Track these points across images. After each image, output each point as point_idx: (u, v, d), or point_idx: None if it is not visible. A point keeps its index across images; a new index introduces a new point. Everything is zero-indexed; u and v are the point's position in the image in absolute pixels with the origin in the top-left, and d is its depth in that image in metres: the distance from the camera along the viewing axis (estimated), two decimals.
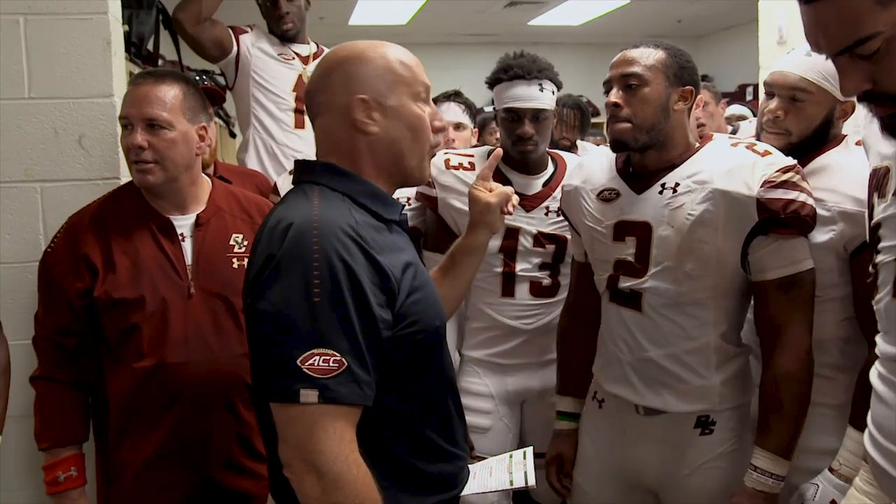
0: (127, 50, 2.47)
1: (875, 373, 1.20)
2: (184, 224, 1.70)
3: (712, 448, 1.61)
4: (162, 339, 1.61)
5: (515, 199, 1.54)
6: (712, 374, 1.59)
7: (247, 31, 2.92)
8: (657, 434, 1.64)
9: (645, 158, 1.62)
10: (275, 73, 2.91)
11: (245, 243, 1.73)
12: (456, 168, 2.05)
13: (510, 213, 1.54)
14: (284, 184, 2.38)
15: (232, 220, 1.75)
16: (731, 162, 1.53)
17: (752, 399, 1.66)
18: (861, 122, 1.38)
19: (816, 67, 1.64)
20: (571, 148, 3.43)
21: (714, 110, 3.22)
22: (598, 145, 4.54)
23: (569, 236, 1.97)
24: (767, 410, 1.54)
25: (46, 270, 1.68)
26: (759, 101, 1.98)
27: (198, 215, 1.71)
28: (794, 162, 1.54)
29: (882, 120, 1.10)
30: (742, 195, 1.50)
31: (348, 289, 1.09)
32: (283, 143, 2.91)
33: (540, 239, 2.01)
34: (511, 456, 1.39)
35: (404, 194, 2.15)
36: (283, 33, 2.93)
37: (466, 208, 1.98)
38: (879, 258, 1.17)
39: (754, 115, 4.54)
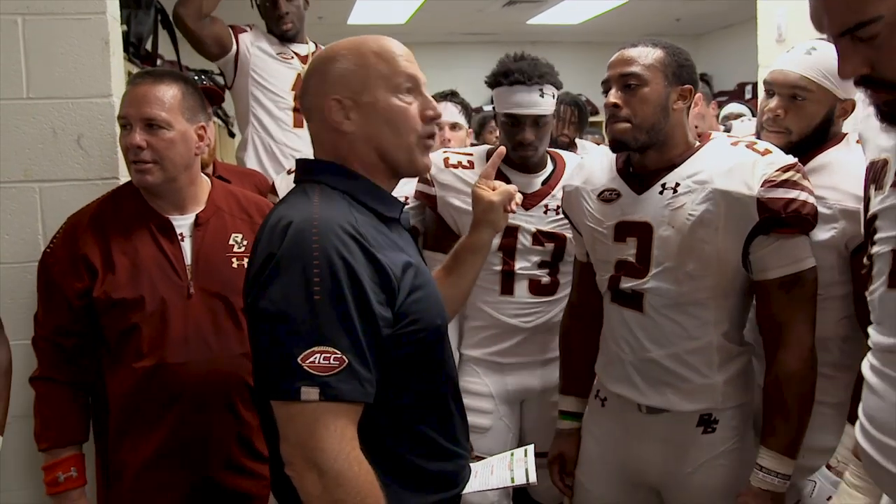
0: (125, 50, 2.47)
1: (867, 364, 1.21)
2: (183, 224, 1.70)
3: (715, 446, 1.61)
4: (161, 339, 1.61)
5: (519, 197, 1.54)
6: (715, 373, 1.59)
7: (246, 31, 2.92)
8: (660, 432, 1.64)
9: (645, 158, 1.62)
10: (274, 72, 2.91)
11: (244, 243, 1.72)
12: (455, 166, 2.05)
13: (513, 212, 1.54)
14: (282, 184, 2.38)
15: (231, 219, 1.75)
16: (731, 161, 1.53)
17: (753, 397, 1.66)
18: (860, 118, 1.38)
19: (816, 66, 1.64)
20: (570, 145, 3.43)
21: (705, 111, 3.22)
22: (597, 144, 4.55)
23: (568, 234, 1.97)
24: (772, 410, 1.54)
25: (45, 271, 1.68)
26: (759, 100, 1.98)
27: (197, 215, 1.71)
28: (795, 160, 1.54)
29: (878, 107, 1.10)
30: (742, 195, 1.49)
31: (348, 287, 1.09)
32: (281, 142, 2.91)
33: (539, 237, 2.01)
34: (512, 454, 1.40)
35: (402, 193, 2.15)
36: (282, 33, 2.93)
37: (466, 207, 2.00)
38: (875, 249, 1.18)
39: (753, 114, 4.55)
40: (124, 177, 1.93)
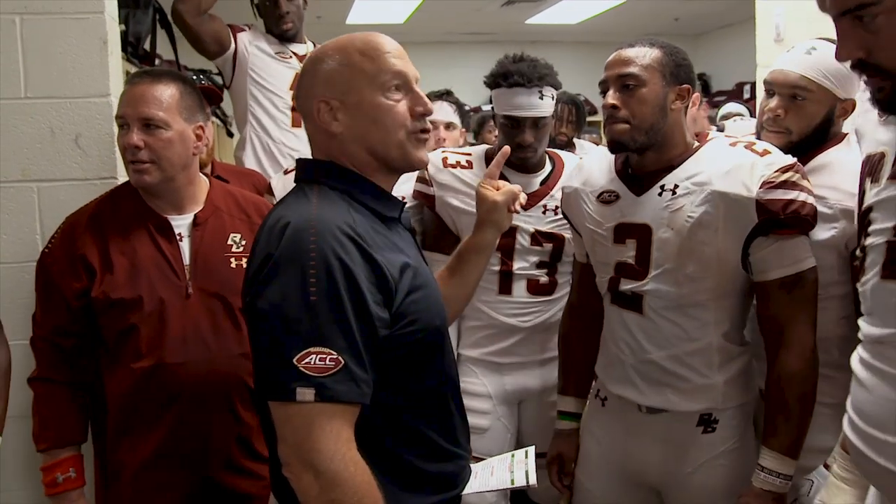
0: (124, 49, 2.47)
1: (856, 357, 1.22)
2: (181, 224, 1.70)
3: (715, 446, 1.61)
4: (160, 339, 1.61)
5: (523, 197, 1.53)
6: (715, 373, 1.59)
7: (244, 30, 2.92)
8: (660, 432, 1.64)
9: (644, 159, 1.62)
10: (272, 71, 2.91)
11: (243, 243, 1.72)
12: (454, 166, 2.05)
13: (517, 212, 1.53)
14: (278, 184, 2.38)
15: (230, 219, 1.75)
16: (729, 163, 1.53)
17: (753, 397, 1.66)
18: (858, 113, 1.39)
19: (816, 66, 1.64)
20: (568, 145, 3.43)
21: (695, 113, 3.22)
22: (595, 143, 4.55)
23: (566, 235, 1.97)
24: (773, 410, 1.54)
25: (44, 271, 1.68)
26: (759, 100, 1.99)
27: (195, 215, 1.70)
28: (794, 160, 1.54)
29: (872, 94, 1.12)
30: (741, 196, 1.49)
31: (345, 287, 1.09)
32: (280, 141, 2.91)
33: (537, 237, 2.01)
34: (513, 455, 1.40)
35: (400, 193, 2.15)
36: (282, 33, 2.93)
37: (464, 206, 2.00)
38: (869, 241, 1.18)
39: (751, 114, 4.55)
40: (122, 176, 1.93)
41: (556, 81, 1.99)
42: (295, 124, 2.89)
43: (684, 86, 1.59)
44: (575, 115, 3.60)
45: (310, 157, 1.30)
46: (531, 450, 1.39)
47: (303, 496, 1.10)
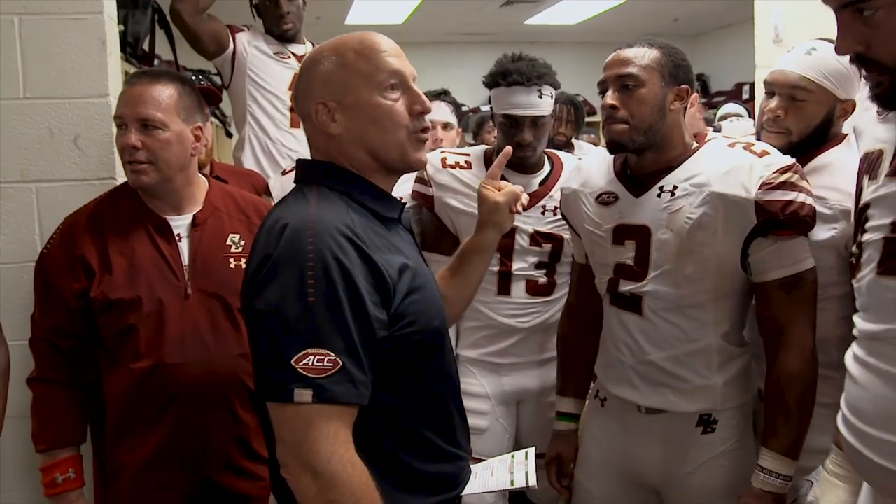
0: (122, 50, 2.47)
1: (850, 354, 1.23)
2: (180, 224, 1.70)
3: (714, 447, 1.61)
4: (159, 339, 1.61)
5: (525, 198, 1.53)
6: (714, 374, 1.59)
7: (243, 30, 2.92)
8: (659, 433, 1.64)
9: (642, 160, 1.62)
10: (271, 71, 2.91)
11: (242, 243, 1.72)
12: (453, 167, 2.05)
13: (519, 213, 1.53)
14: (275, 184, 2.38)
15: (229, 220, 1.75)
16: (728, 164, 1.53)
17: (753, 398, 1.66)
18: (857, 112, 1.39)
19: (817, 66, 1.64)
20: (566, 145, 3.43)
21: (691, 114, 3.22)
22: (594, 144, 4.55)
23: (565, 235, 1.97)
24: (773, 411, 1.54)
25: (43, 271, 1.68)
26: (759, 100, 1.99)
27: (194, 215, 1.70)
28: (793, 161, 1.54)
29: (871, 88, 1.12)
30: (740, 198, 1.49)
31: (343, 289, 1.09)
32: (278, 141, 2.91)
33: (536, 238, 2.01)
34: (513, 456, 1.39)
35: (399, 193, 2.15)
36: (283, 33, 2.93)
37: (463, 207, 2.00)
38: (866, 237, 1.19)
39: (750, 115, 4.55)
40: (121, 177, 1.93)
41: (555, 81, 1.99)
42: (293, 125, 2.89)
43: (683, 86, 1.59)
44: (573, 116, 3.59)
45: (309, 157, 1.30)
46: (531, 451, 1.39)
47: (301, 497, 1.10)
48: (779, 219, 1.48)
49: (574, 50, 7.63)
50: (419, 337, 1.19)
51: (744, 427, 1.64)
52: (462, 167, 2.05)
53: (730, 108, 4.84)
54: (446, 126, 2.71)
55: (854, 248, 1.25)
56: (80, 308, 1.63)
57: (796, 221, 1.49)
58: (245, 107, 2.92)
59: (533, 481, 1.30)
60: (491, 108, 2.07)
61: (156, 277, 1.63)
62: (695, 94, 1.64)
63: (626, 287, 1.63)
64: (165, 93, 1.63)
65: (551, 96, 1.99)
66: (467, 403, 1.94)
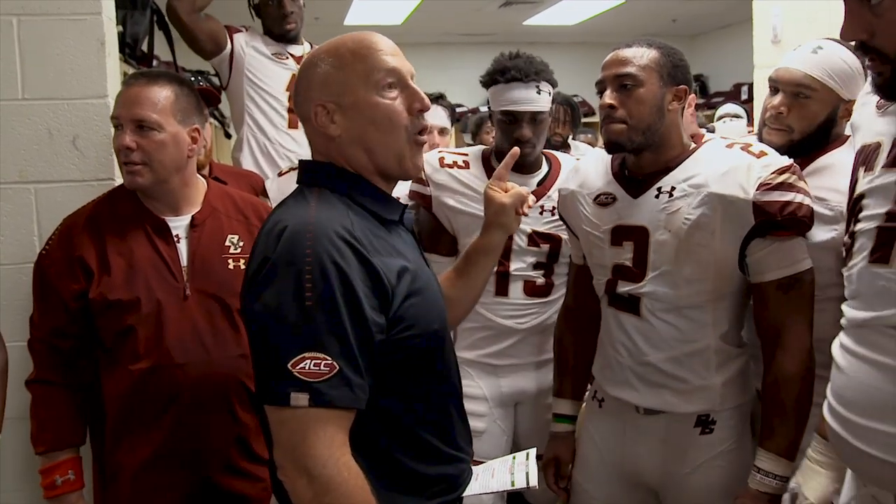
0: (121, 51, 2.46)
1: (837, 344, 1.25)
2: (179, 225, 1.70)
3: (713, 447, 1.61)
4: (158, 340, 1.61)
5: (532, 199, 1.52)
6: (713, 375, 1.59)
7: (241, 31, 2.92)
8: (657, 433, 1.64)
9: (640, 160, 1.62)
10: (269, 72, 2.91)
11: (241, 244, 1.72)
12: (450, 166, 2.05)
13: (525, 215, 1.52)
14: (272, 186, 2.38)
15: (227, 220, 1.75)
16: (726, 164, 1.53)
17: (751, 398, 1.66)
18: (855, 107, 1.40)
19: (822, 65, 1.64)
20: (563, 145, 3.43)
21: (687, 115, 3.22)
22: (591, 144, 4.55)
23: (563, 236, 1.97)
24: (770, 412, 1.54)
25: (41, 273, 1.68)
26: (757, 101, 1.99)
27: (193, 216, 1.70)
28: (791, 162, 1.54)
29: (873, 78, 1.14)
30: (738, 199, 1.49)
31: (340, 293, 1.08)
32: (277, 142, 2.91)
33: (534, 238, 2.01)
34: (514, 457, 1.39)
35: (396, 194, 2.15)
36: (285, 33, 2.93)
37: (461, 207, 2.00)
38: (859, 226, 1.20)
39: (748, 116, 4.55)
40: (120, 178, 1.92)
41: (552, 78, 2.00)
42: (291, 126, 2.89)
43: (681, 86, 1.59)
44: (570, 116, 3.60)
45: (309, 158, 1.30)
46: (532, 452, 1.39)
47: (297, 500, 1.10)
48: (777, 219, 1.48)
49: (573, 50, 7.64)
50: (418, 340, 1.19)
51: (742, 428, 1.64)
52: (460, 167, 2.05)
53: (728, 108, 4.84)
54: (442, 131, 2.70)
55: (846, 238, 1.25)
56: (79, 309, 1.63)
57: (794, 222, 1.49)
58: (243, 108, 2.92)
59: (534, 482, 1.30)
60: (489, 107, 2.07)
61: (154, 278, 1.63)
62: (692, 95, 1.64)
63: (624, 288, 1.63)
64: (162, 94, 1.63)
65: (549, 93, 1.99)
66: (465, 405, 1.94)
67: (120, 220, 1.67)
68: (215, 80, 3.10)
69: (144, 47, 2.85)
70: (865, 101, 1.32)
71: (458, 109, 4.86)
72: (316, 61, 1.24)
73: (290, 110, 2.89)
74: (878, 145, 1.20)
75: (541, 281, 2.04)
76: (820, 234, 1.57)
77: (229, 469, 1.66)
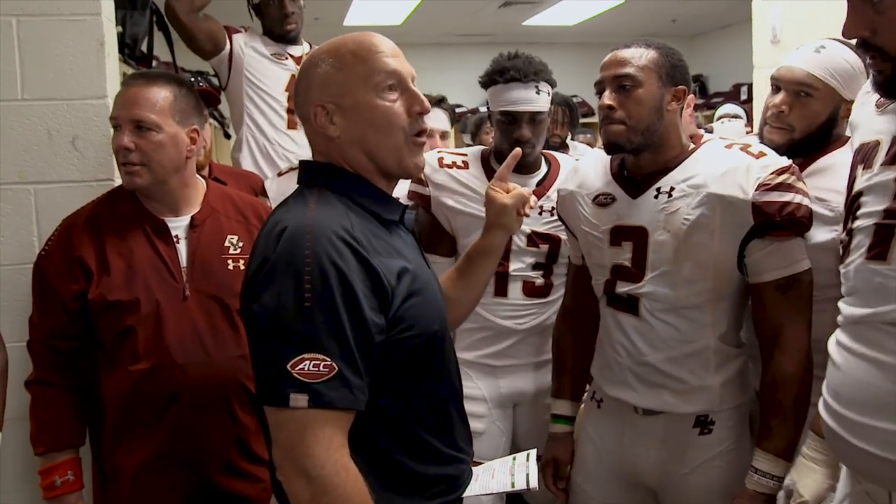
0: (121, 51, 2.46)
1: (833, 341, 1.26)
2: (178, 226, 1.70)
3: (711, 447, 1.61)
4: (157, 341, 1.61)
5: (533, 199, 1.51)
6: (712, 375, 1.59)
7: (240, 31, 2.92)
8: (656, 434, 1.64)
9: (639, 161, 1.62)
10: (268, 72, 2.91)
11: (240, 244, 1.72)
12: (449, 166, 2.05)
13: (527, 215, 1.52)
14: (272, 185, 2.37)
15: (227, 221, 1.75)
16: (725, 165, 1.53)
17: (750, 398, 1.66)
18: (854, 106, 1.40)
19: (824, 64, 1.65)
20: (562, 146, 3.43)
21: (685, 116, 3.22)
22: (589, 144, 4.55)
23: (562, 236, 1.97)
24: (768, 412, 1.54)
25: (41, 273, 1.68)
26: (757, 101, 1.99)
27: (192, 217, 1.71)
28: (790, 162, 1.54)
29: (874, 78, 1.15)
30: (737, 199, 1.49)
31: (340, 293, 1.08)
32: (276, 142, 2.91)
33: (534, 238, 2.01)
34: (514, 458, 1.39)
35: (395, 194, 2.14)
36: (285, 34, 2.93)
37: (460, 207, 2.00)
38: (857, 223, 1.21)
39: (748, 116, 4.55)
40: (119, 178, 1.93)
41: (551, 78, 2.00)
42: (290, 126, 2.89)
43: (680, 87, 1.59)
44: (568, 117, 3.59)
45: (309, 158, 1.30)
46: (532, 453, 1.39)
47: (295, 501, 1.10)
48: (775, 220, 1.48)
49: (572, 51, 7.63)
50: (418, 340, 1.19)
51: (741, 428, 1.64)
52: (459, 167, 2.05)
53: (728, 108, 4.84)
54: (444, 135, 2.69)
55: (843, 235, 1.26)
56: (79, 310, 1.63)
57: (793, 222, 1.49)
58: (242, 108, 2.92)
59: (534, 483, 1.30)
60: (488, 107, 2.07)
61: (154, 279, 1.63)
62: (691, 95, 1.64)
63: (623, 288, 1.63)
64: (160, 95, 1.63)
65: (548, 93, 1.99)
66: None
67: (119, 220, 1.67)
68: (215, 80, 3.10)
69: (144, 48, 2.85)
70: (864, 100, 1.32)
71: (457, 110, 4.86)
72: (316, 61, 1.24)
73: (289, 111, 2.89)
74: (877, 143, 1.21)
75: (540, 281, 2.04)
76: (820, 234, 1.57)
77: (229, 470, 1.66)
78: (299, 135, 2.83)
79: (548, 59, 2.04)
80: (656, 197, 1.58)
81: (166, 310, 1.62)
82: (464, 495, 1.30)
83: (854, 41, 1.18)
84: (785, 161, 1.53)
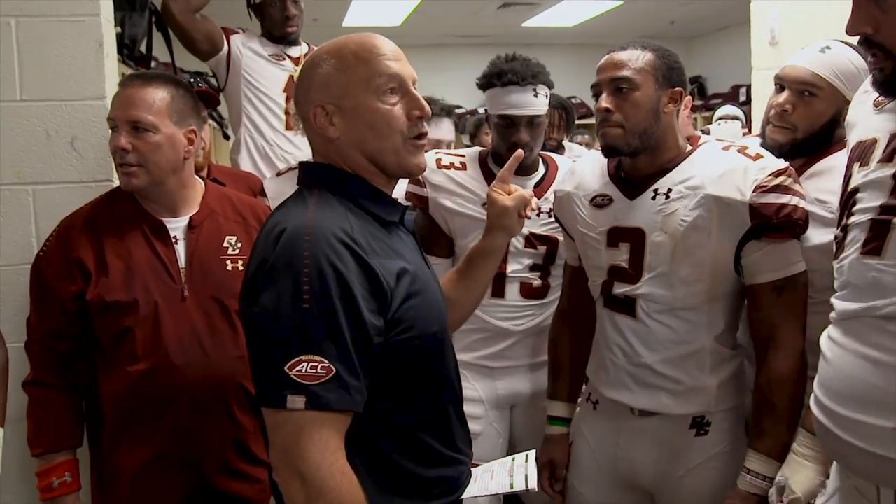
0: (119, 52, 2.47)
1: (825, 337, 1.26)
2: (177, 226, 1.70)
3: (707, 449, 1.61)
4: (156, 342, 1.61)
5: (535, 202, 1.51)
6: (708, 376, 1.59)
7: (238, 32, 2.93)
8: (652, 435, 1.64)
9: (637, 163, 1.62)
10: (265, 73, 2.91)
11: (239, 245, 1.72)
12: (447, 167, 2.05)
13: (528, 217, 1.52)
14: (271, 185, 2.37)
15: (225, 222, 1.75)
16: (722, 167, 1.53)
17: (746, 400, 1.66)
18: (851, 105, 1.41)
19: (829, 64, 1.65)
20: (558, 148, 3.43)
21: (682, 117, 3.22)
22: (587, 145, 4.55)
23: (560, 238, 1.97)
24: (761, 413, 1.54)
25: (39, 274, 1.68)
26: (756, 103, 1.99)
27: (191, 218, 1.71)
28: (786, 164, 1.54)
29: (875, 76, 1.15)
30: (734, 200, 1.49)
31: (338, 295, 1.08)
32: (274, 143, 2.92)
33: (531, 240, 2.01)
34: (513, 459, 1.39)
35: (393, 195, 2.14)
36: (286, 36, 2.93)
37: (457, 208, 2.00)
38: (853, 219, 1.22)
39: (746, 117, 4.55)
40: (118, 179, 1.93)
41: (549, 80, 2.00)
42: (288, 127, 2.89)
43: (677, 89, 1.59)
44: (564, 120, 3.59)
45: (309, 159, 1.30)
46: (531, 454, 1.39)
47: (290, 502, 1.10)
48: (772, 222, 1.48)
49: (571, 52, 7.65)
50: (417, 342, 1.18)
51: (737, 430, 1.64)
52: (457, 168, 2.05)
53: (727, 110, 4.85)
54: (450, 146, 2.69)
55: (838, 232, 1.26)
56: (77, 311, 1.63)
57: (789, 224, 1.49)
58: (241, 109, 2.93)
59: (533, 484, 1.30)
60: (486, 109, 2.07)
61: (152, 280, 1.63)
62: (688, 97, 1.64)
63: (619, 289, 1.63)
64: (158, 95, 1.63)
65: (546, 95, 1.99)
66: None
67: (118, 221, 1.67)
68: (214, 81, 3.10)
69: (143, 49, 2.85)
70: (862, 99, 1.32)
71: (456, 111, 4.85)
72: (318, 62, 1.23)
73: (286, 112, 2.89)
74: (875, 141, 1.21)
75: (537, 283, 2.04)
76: (819, 236, 1.57)
77: (228, 471, 1.66)
78: (297, 135, 2.84)
79: (546, 60, 2.04)
80: (654, 198, 1.58)
81: (165, 311, 1.62)
82: (463, 496, 1.30)
83: (856, 40, 1.18)
84: (782, 163, 1.54)
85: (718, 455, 1.61)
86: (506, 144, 1.97)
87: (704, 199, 1.52)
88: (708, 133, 3.84)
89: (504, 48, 2.11)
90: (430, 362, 1.24)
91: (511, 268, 2.01)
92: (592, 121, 1.70)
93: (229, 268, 1.70)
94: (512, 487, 1.31)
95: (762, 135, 1.76)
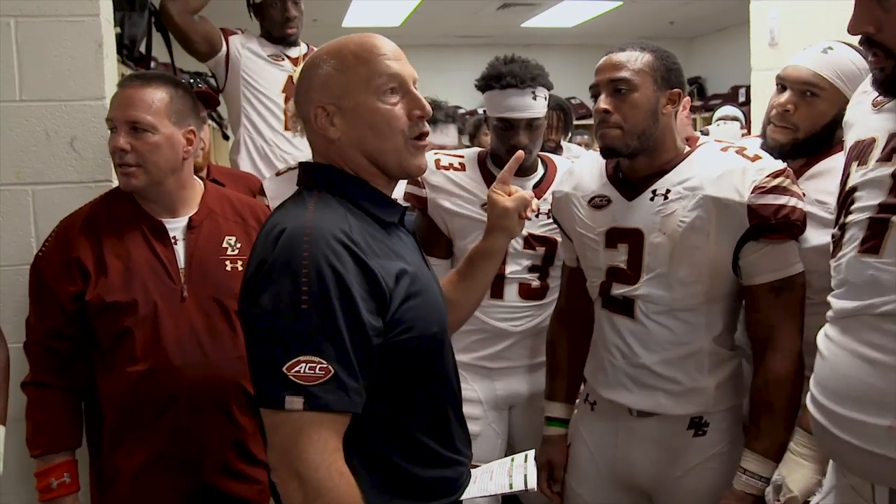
0: (119, 52, 2.47)
1: (822, 335, 1.26)
2: (176, 227, 1.70)
3: (705, 449, 1.61)
4: (155, 342, 1.61)
5: (535, 203, 1.51)
6: (706, 377, 1.59)
7: (237, 33, 2.93)
8: (650, 435, 1.64)
9: (635, 164, 1.62)
10: (265, 74, 2.91)
11: (238, 246, 1.72)
12: (446, 168, 2.05)
13: (529, 218, 1.52)
14: (271, 185, 2.37)
15: (225, 222, 1.75)
16: (721, 168, 1.53)
17: (744, 400, 1.66)
18: (849, 106, 1.41)
19: (831, 65, 1.65)
20: (556, 149, 3.43)
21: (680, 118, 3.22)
22: (586, 145, 4.55)
23: (558, 238, 1.97)
24: (758, 413, 1.54)
25: (38, 274, 1.68)
26: (755, 103, 1.99)
27: (190, 218, 1.70)
28: (784, 166, 1.54)
29: (875, 75, 1.16)
30: (733, 201, 1.50)
31: (337, 296, 1.08)
32: (273, 143, 2.92)
33: (530, 241, 2.01)
34: (513, 459, 1.39)
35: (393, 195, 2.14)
36: (286, 37, 2.93)
37: (456, 209, 2.00)
38: (850, 218, 1.22)
39: (746, 118, 4.55)
40: (117, 180, 1.93)
41: (548, 82, 2.00)
42: (287, 127, 2.89)
43: (675, 90, 1.59)
44: (563, 121, 3.60)
45: (310, 160, 1.30)
46: (531, 454, 1.39)
47: (288, 503, 1.10)
48: (771, 223, 1.48)
49: (570, 53, 7.66)
50: (417, 343, 1.18)
51: (735, 430, 1.64)
52: (456, 169, 2.04)
53: (726, 110, 4.85)
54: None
55: (836, 230, 1.26)
56: (76, 311, 1.63)
57: (787, 225, 1.50)
58: (240, 109, 2.93)
59: (532, 484, 1.30)
60: (484, 111, 2.07)
61: (151, 280, 1.63)
62: (686, 98, 1.64)
63: (618, 290, 1.63)
64: (156, 96, 1.63)
65: (545, 98, 1.99)
66: None
67: (117, 221, 1.67)
68: (213, 81, 3.10)
69: (142, 49, 2.85)
70: (860, 99, 1.33)
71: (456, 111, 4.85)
72: (318, 62, 1.23)
73: (286, 112, 2.89)
74: (873, 140, 1.21)
75: (536, 284, 2.04)
76: (818, 237, 1.57)
77: (227, 472, 1.66)
78: (297, 135, 2.83)
79: (546, 60, 2.04)
80: (652, 199, 1.58)
81: (164, 311, 1.62)
82: (462, 497, 1.30)
83: (858, 40, 1.18)
84: (780, 164, 1.54)
85: (717, 455, 1.61)
86: (505, 147, 1.97)
87: (703, 200, 1.52)
88: (707, 134, 3.84)
89: (504, 48, 2.11)
90: (429, 363, 1.24)
91: (510, 269, 2.01)
92: (592, 121, 1.69)
93: (228, 268, 1.70)
94: (511, 488, 1.31)
95: (763, 135, 1.76)
